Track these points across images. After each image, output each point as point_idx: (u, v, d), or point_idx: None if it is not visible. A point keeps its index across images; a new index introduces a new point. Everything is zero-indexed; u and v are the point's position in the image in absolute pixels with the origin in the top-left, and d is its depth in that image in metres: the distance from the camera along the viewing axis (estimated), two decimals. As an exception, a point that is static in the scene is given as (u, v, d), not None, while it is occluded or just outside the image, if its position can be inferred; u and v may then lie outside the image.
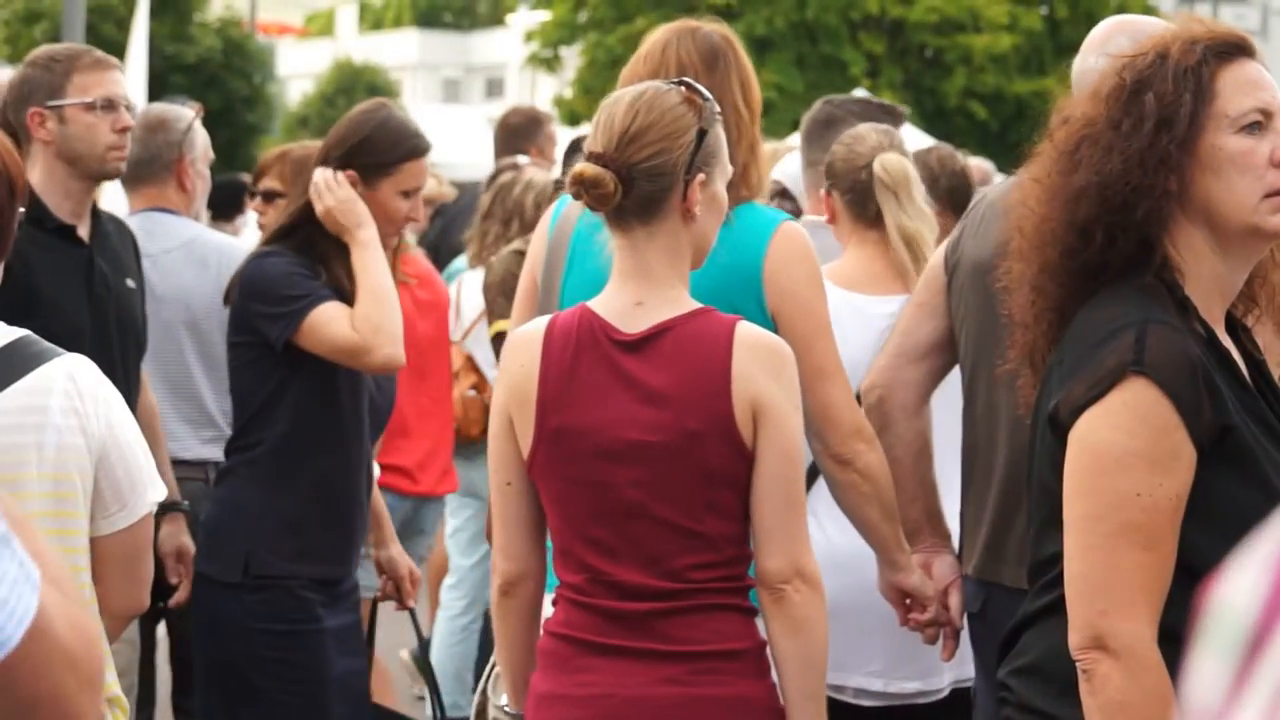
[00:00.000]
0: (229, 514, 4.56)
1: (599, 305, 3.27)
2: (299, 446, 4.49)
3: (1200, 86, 2.80)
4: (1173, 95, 2.79)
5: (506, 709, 3.45)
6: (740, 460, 3.19)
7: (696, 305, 3.25)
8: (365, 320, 4.38)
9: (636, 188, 3.19)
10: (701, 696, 3.18)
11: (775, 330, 3.61)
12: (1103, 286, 2.83)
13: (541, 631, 3.34)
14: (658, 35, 3.90)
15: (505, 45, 59.10)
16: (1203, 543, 2.72)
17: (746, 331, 3.22)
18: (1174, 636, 2.69)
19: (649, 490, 3.19)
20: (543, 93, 45.73)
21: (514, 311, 3.98)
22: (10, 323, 3.12)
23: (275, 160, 5.86)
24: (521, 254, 6.09)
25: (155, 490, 3.17)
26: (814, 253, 3.79)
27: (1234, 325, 2.95)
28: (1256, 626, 1.08)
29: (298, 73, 59.96)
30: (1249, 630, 1.08)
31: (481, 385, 6.69)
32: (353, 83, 49.22)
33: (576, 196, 3.23)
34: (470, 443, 6.77)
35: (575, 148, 6.25)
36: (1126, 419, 2.71)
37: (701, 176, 3.22)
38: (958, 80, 31.26)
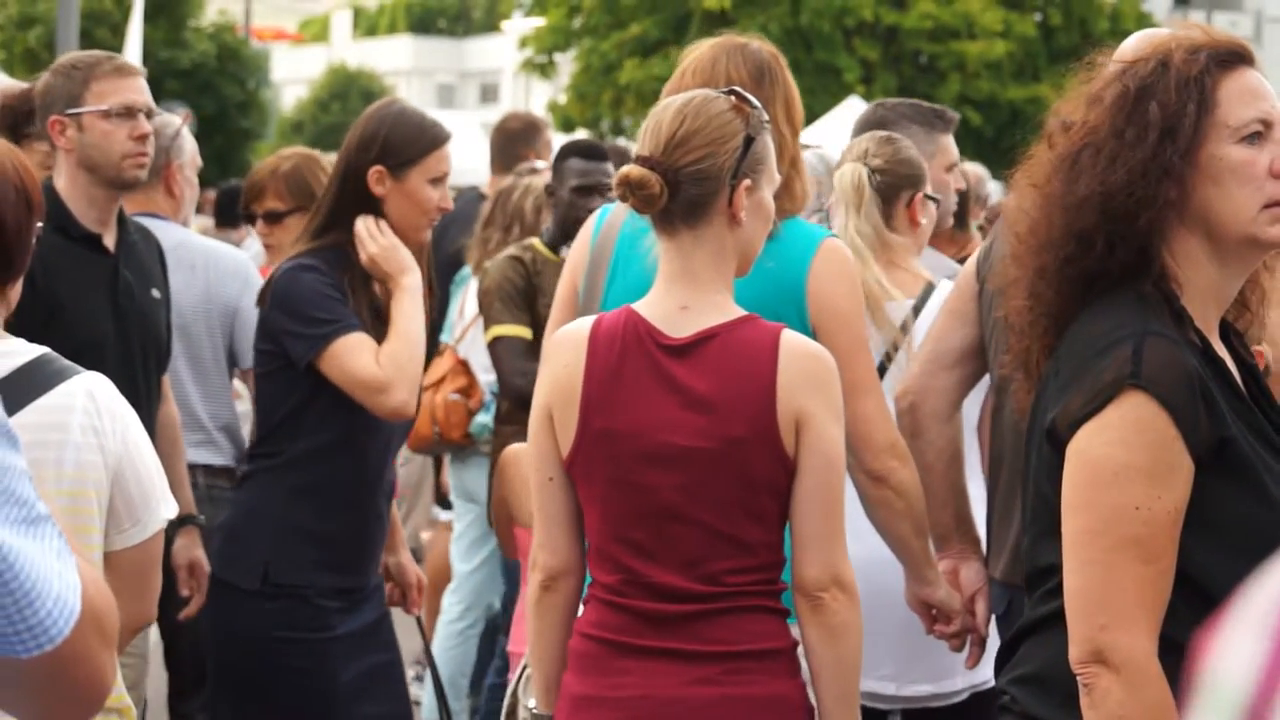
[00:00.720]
0: (249, 521, 4.54)
1: (644, 308, 3.30)
2: (322, 459, 4.47)
3: (1203, 96, 2.79)
4: (1176, 105, 2.78)
5: (535, 710, 3.46)
6: (782, 469, 3.22)
7: (742, 312, 3.29)
8: (391, 360, 4.38)
9: (682, 191, 3.23)
10: (736, 696, 3.22)
11: None
12: (1099, 294, 2.83)
13: (572, 632, 3.37)
14: (705, 50, 3.94)
15: (499, 51, 59.14)
16: (1202, 553, 2.72)
17: (792, 340, 3.25)
18: (1175, 647, 2.69)
19: (690, 495, 3.22)
20: (537, 98, 45.75)
21: (553, 316, 4.01)
22: (33, 332, 3.20)
23: (267, 179, 5.83)
24: (516, 259, 6.09)
25: (168, 507, 3.25)
26: (854, 269, 3.85)
27: (1226, 330, 2.94)
28: (1254, 699, 1.06)
29: (292, 78, 59.98)
30: (1246, 703, 1.06)
31: (470, 390, 6.67)
32: (347, 88, 49.25)
33: (623, 198, 3.26)
34: (462, 447, 6.76)
35: (566, 153, 6.26)
36: (1124, 433, 2.70)
37: (748, 182, 3.26)
38: (952, 87, 31.27)
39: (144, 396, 4.63)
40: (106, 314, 4.66)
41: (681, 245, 3.28)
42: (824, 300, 3.75)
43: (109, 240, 4.72)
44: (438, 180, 4.53)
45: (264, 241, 5.89)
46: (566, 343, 3.31)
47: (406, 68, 64.94)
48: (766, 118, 3.32)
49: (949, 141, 5.26)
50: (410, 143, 4.51)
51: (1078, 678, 2.72)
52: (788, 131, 3.86)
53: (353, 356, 4.37)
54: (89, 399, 3.10)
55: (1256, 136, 2.80)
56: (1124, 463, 2.70)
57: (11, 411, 2.99)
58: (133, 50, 11.75)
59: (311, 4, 78.84)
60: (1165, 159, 2.77)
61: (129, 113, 4.67)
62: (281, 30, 71.66)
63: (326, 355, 4.39)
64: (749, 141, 3.26)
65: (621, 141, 28.38)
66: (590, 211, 6.07)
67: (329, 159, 6.72)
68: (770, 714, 3.23)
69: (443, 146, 4.55)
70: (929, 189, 4.74)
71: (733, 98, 3.29)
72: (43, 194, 3.19)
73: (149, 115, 4.71)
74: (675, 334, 3.26)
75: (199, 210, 10.25)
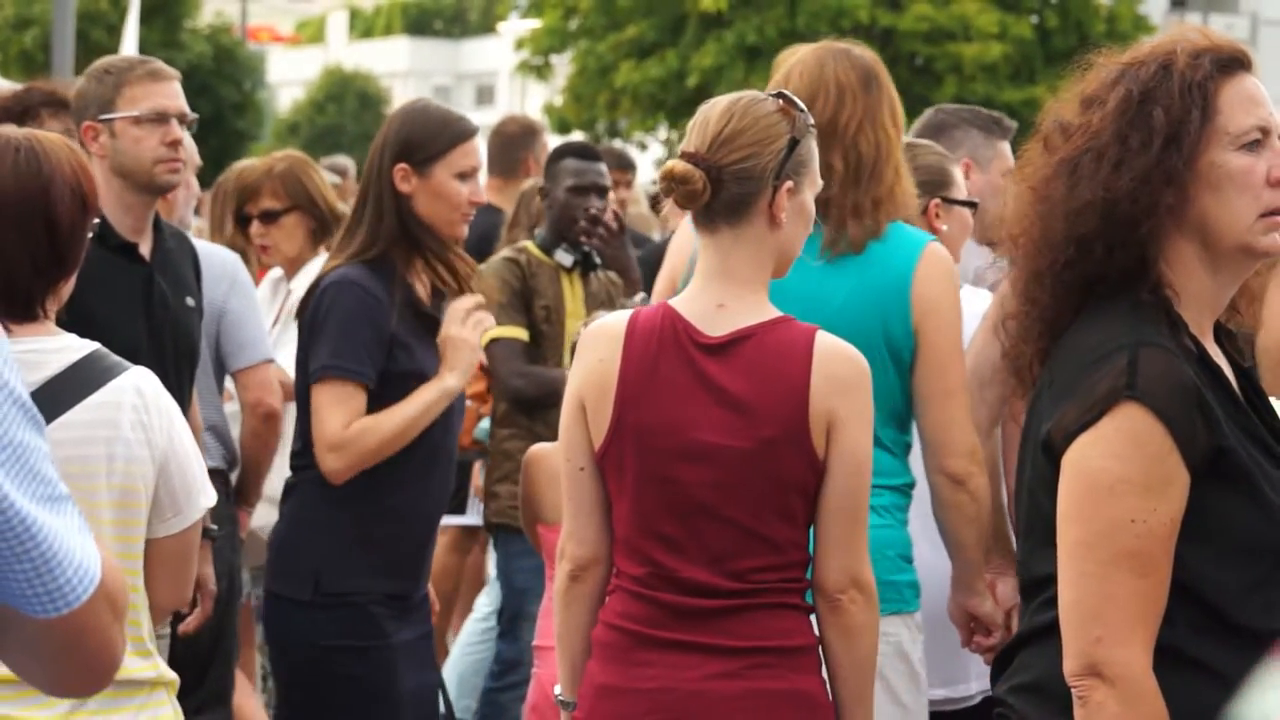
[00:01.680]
0: (297, 531, 4.53)
1: (681, 305, 3.35)
2: (367, 471, 4.45)
3: (1205, 102, 2.78)
4: (1180, 111, 2.76)
5: (560, 696, 3.48)
6: (811, 470, 3.27)
7: (777, 313, 3.33)
8: (361, 431, 4.39)
9: (725, 189, 3.28)
10: (759, 690, 3.26)
11: (915, 347, 3.78)
12: (1094, 300, 2.82)
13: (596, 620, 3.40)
14: (809, 54, 3.99)
15: (496, 53, 59.09)
16: (1200, 563, 2.71)
17: (825, 343, 3.30)
18: (1172, 656, 2.70)
19: (721, 492, 3.26)
20: (533, 100, 45.73)
21: None
22: None
23: (263, 179, 5.84)
24: (511, 261, 6.08)
25: (207, 497, 3.42)
26: (956, 274, 3.91)
27: (1219, 332, 2.94)
28: None
29: (288, 80, 59.94)
30: None
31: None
32: (343, 90, 49.20)
33: (666, 192, 3.31)
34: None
35: (560, 154, 6.26)
36: (1120, 445, 2.69)
37: (790, 184, 3.30)
38: (948, 89, 31.25)
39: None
40: (140, 324, 4.64)
41: (721, 243, 3.32)
42: (927, 304, 3.82)
43: (144, 248, 4.71)
44: (466, 175, 4.52)
45: (259, 241, 5.89)
46: (602, 336, 3.36)
47: (402, 69, 64.90)
48: (812, 122, 3.36)
49: (1006, 148, 5.26)
50: (433, 138, 4.51)
51: (1072, 690, 2.71)
52: (894, 134, 3.93)
53: (331, 406, 4.39)
54: (137, 395, 3.26)
55: (1255, 144, 2.79)
56: (1119, 475, 2.69)
57: (64, 409, 3.18)
58: (128, 51, 11.76)
59: (307, 5, 78.81)
60: (1169, 165, 2.76)
61: (161, 118, 4.65)
62: (277, 32, 71.64)
63: (317, 388, 4.42)
64: (793, 144, 3.30)
65: (618, 144, 28.38)
66: (586, 211, 6.09)
67: (328, 160, 6.75)
68: (793, 709, 3.28)
69: (468, 141, 4.55)
70: (956, 193, 4.70)
71: (780, 100, 3.32)
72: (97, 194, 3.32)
73: (182, 120, 4.69)
74: (711, 332, 3.30)
75: (196, 211, 10.23)
